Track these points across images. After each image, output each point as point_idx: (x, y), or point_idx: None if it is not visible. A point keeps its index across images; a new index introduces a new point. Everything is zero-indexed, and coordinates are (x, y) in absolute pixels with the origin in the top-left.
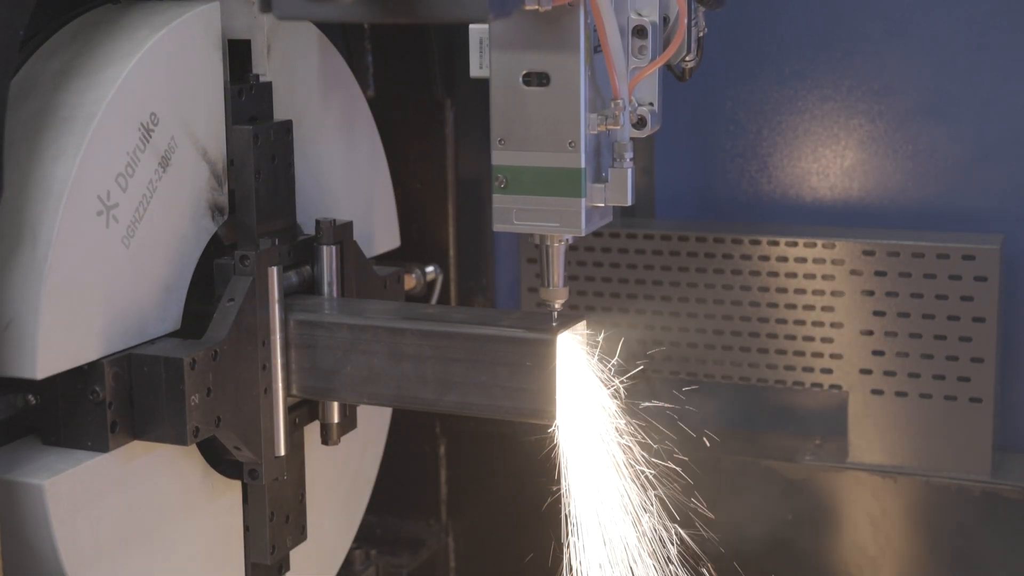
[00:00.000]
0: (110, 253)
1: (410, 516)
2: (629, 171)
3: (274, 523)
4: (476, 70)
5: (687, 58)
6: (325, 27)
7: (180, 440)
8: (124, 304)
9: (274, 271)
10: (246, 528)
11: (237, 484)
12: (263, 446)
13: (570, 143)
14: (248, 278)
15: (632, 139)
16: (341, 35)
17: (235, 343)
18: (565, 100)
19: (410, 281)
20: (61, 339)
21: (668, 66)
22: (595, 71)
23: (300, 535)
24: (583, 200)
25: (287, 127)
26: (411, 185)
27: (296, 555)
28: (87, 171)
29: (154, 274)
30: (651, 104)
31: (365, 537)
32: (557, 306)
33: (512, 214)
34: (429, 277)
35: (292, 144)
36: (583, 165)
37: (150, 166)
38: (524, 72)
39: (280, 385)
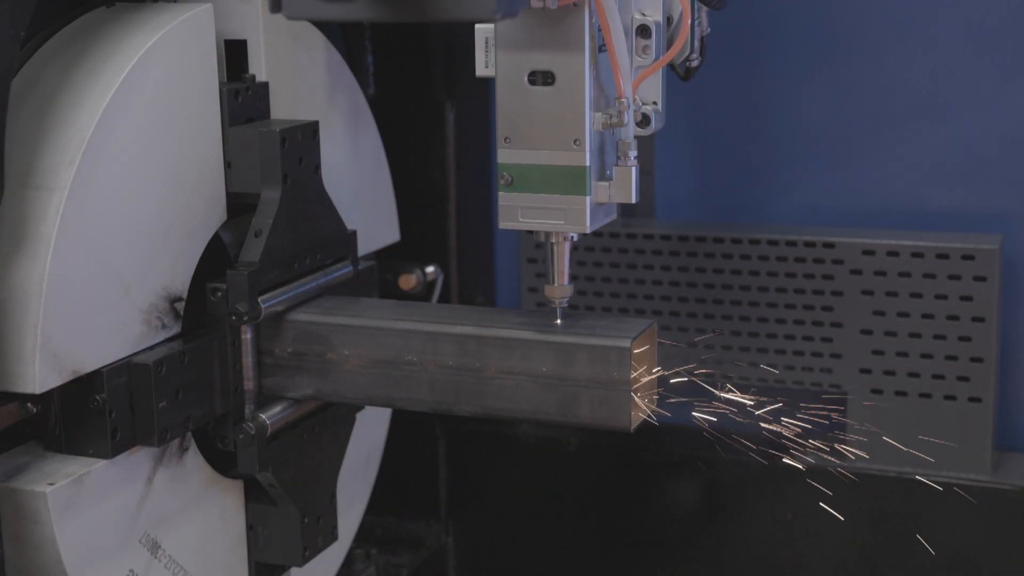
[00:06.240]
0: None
1: (410, 516)
2: (633, 169)
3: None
4: (482, 69)
5: (690, 57)
6: (325, 27)
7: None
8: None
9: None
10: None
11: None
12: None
13: (575, 141)
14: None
15: (636, 137)
16: (341, 35)
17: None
18: (570, 99)
19: (410, 281)
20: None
21: (671, 65)
22: (599, 70)
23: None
24: (588, 198)
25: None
26: (411, 185)
27: None
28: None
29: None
30: (655, 103)
31: (365, 537)
32: (562, 304)
33: (518, 212)
34: (429, 277)
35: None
36: (588, 163)
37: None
38: (529, 71)
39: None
